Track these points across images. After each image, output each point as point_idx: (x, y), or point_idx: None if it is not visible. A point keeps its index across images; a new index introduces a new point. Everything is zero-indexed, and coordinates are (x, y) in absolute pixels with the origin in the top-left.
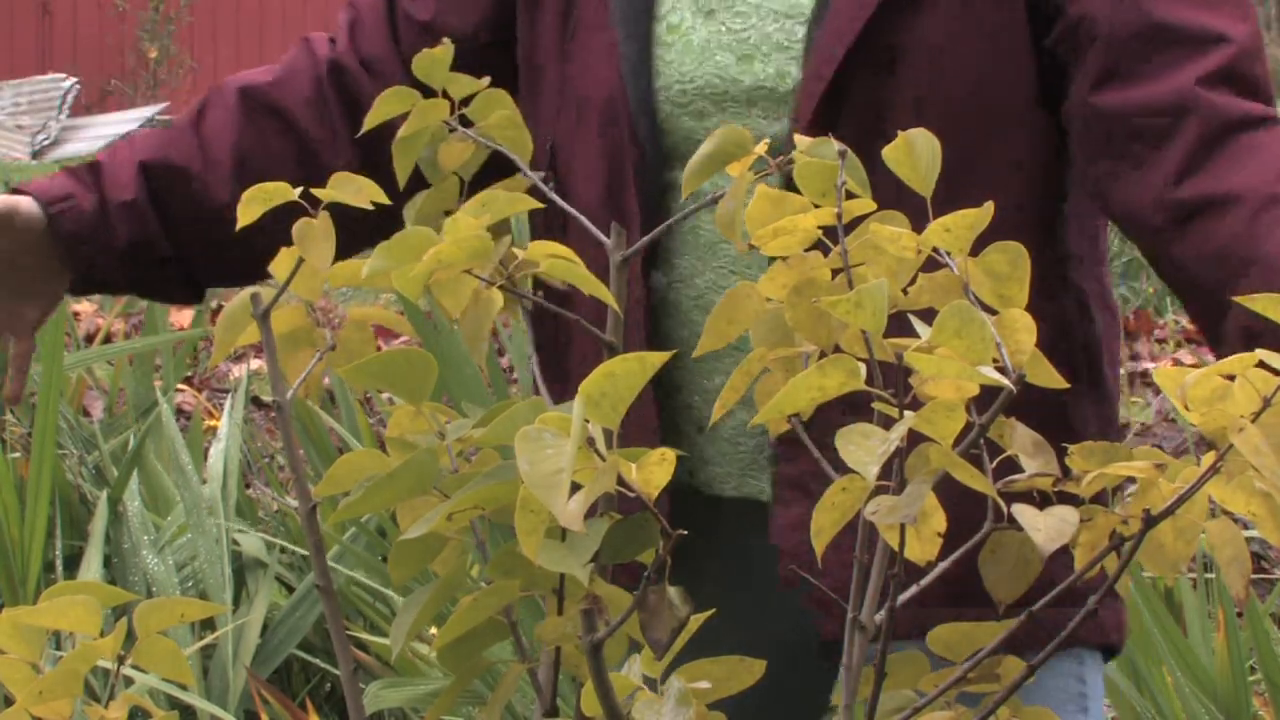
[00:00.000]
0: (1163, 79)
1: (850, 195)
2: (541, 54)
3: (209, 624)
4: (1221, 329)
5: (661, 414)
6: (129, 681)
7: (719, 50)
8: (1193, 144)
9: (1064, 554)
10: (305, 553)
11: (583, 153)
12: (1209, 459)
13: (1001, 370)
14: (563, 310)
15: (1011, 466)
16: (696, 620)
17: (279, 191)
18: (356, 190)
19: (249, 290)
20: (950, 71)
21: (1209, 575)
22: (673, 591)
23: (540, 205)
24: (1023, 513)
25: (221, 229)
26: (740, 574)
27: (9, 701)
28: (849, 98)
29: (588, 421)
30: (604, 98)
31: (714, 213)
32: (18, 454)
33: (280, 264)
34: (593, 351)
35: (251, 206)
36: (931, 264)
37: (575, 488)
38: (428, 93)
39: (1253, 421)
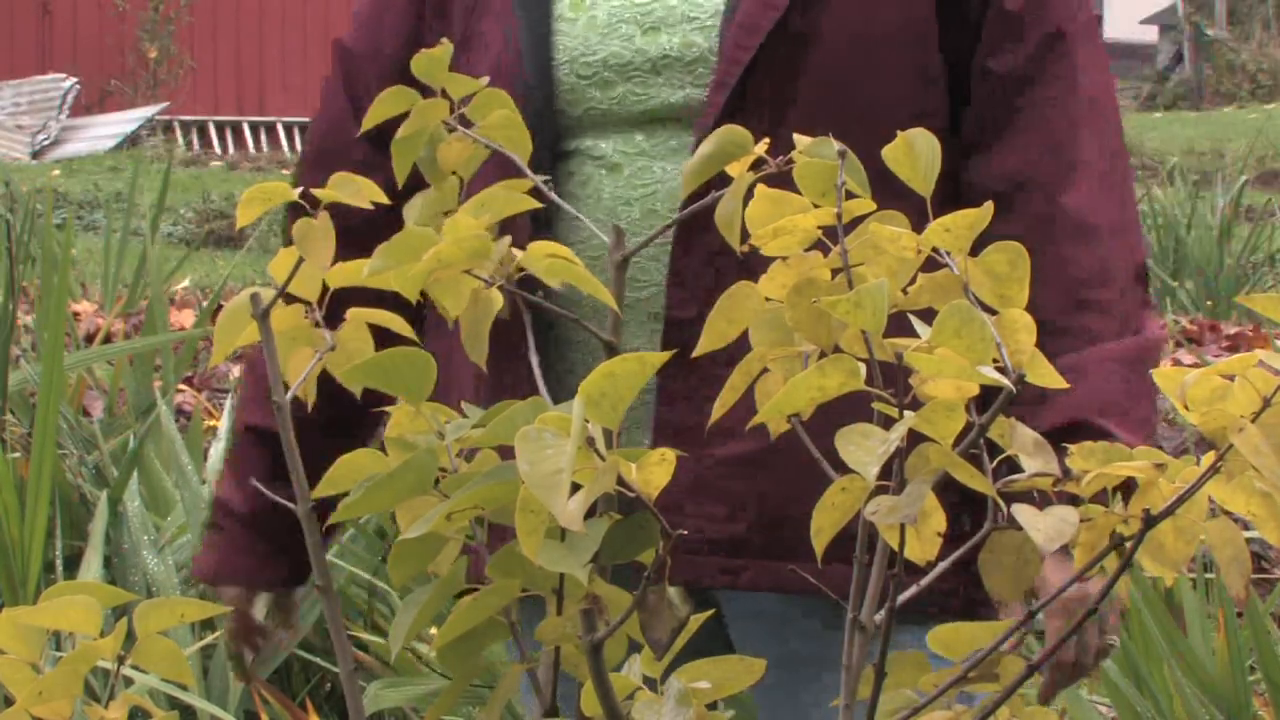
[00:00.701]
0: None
1: (850, 195)
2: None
3: (209, 624)
4: None
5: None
6: (129, 681)
7: (623, 23)
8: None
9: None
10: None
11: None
12: (1209, 459)
13: (1001, 370)
14: (565, 311)
15: (1011, 466)
16: (697, 620)
17: (278, 191)
18: (356, 190)
19: (249, 290)
20: (862, 50)
21: (1209, 575)
22: (673, 591)
23: (540, 205)
24: (1022, 513)
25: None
26: None
27: (9, 701)
28: (760, 70)
29: (588, 421)
30: (499, 73)
31: (619, 176)
32: (18, 454)
33: (280, 264)
34: (469, 374)
35: (251, 207)
36: (931, 264)
37: (575, 488)
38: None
39: (1253, 421)
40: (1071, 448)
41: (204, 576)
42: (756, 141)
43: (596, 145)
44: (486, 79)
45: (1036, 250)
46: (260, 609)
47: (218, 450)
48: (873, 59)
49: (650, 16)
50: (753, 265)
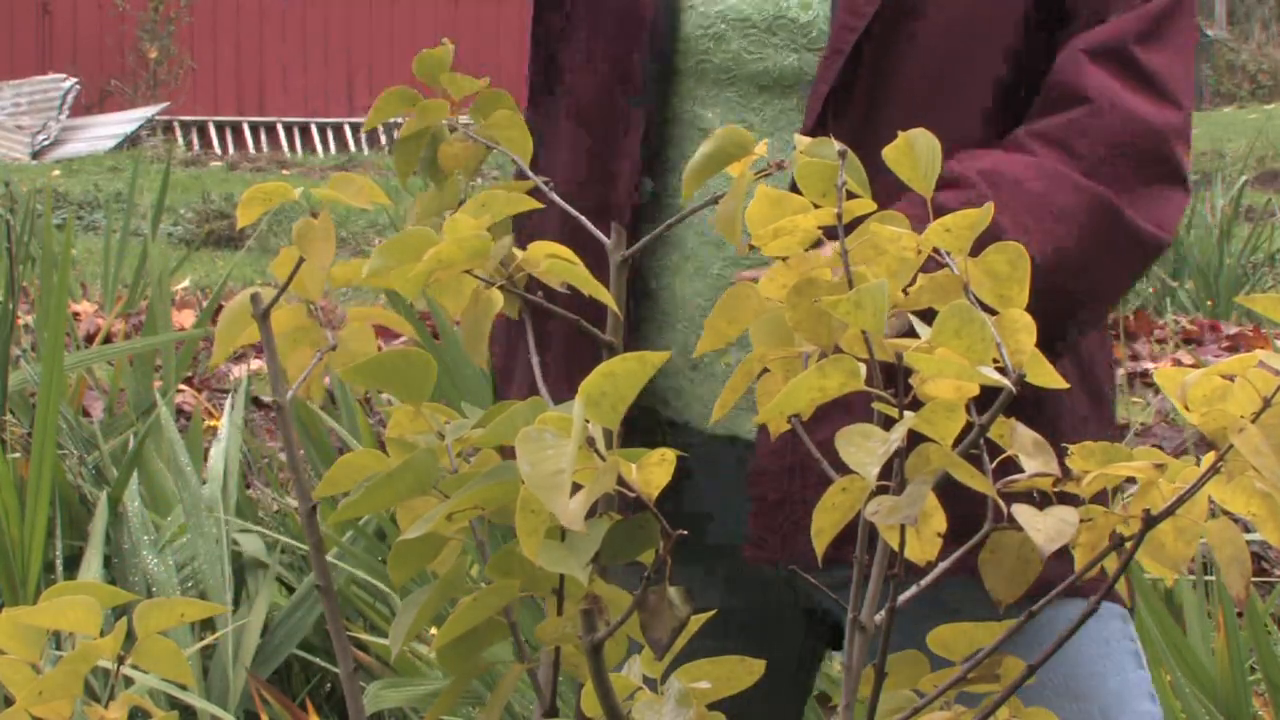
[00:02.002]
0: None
1: (851, 195)
2: None
3: (209, 624)
4: None
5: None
6: (129, 681)
7: None
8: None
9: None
10: (305, 552)
11: (589, 52)
12: (1209, 459)
13: (1001, 370)
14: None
15: (1012, 466)
16: (697, 620)
17: (278, 191)
18: (357, 190)
19: (249, 290)
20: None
21: (1209, 576)
22: (673, 591)
23: (540, 205)
24: (1022, 513)
25: None
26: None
27: (9, 701)
28: (870, 40)
29: (588, 422)
30: (624, 6)
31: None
32: (18, 454)
33: (280, 264)
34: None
35: (251, 207)
36: (931, 264)
37: (576, 488)
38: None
39: (1253, 421)
40: (1071, 448)
41: None
42: (861, 113)
43: (703, 115)
44: (487, 79)
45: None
46: None
47: (218, 450)
48: (974, 34)
49: None
50: None
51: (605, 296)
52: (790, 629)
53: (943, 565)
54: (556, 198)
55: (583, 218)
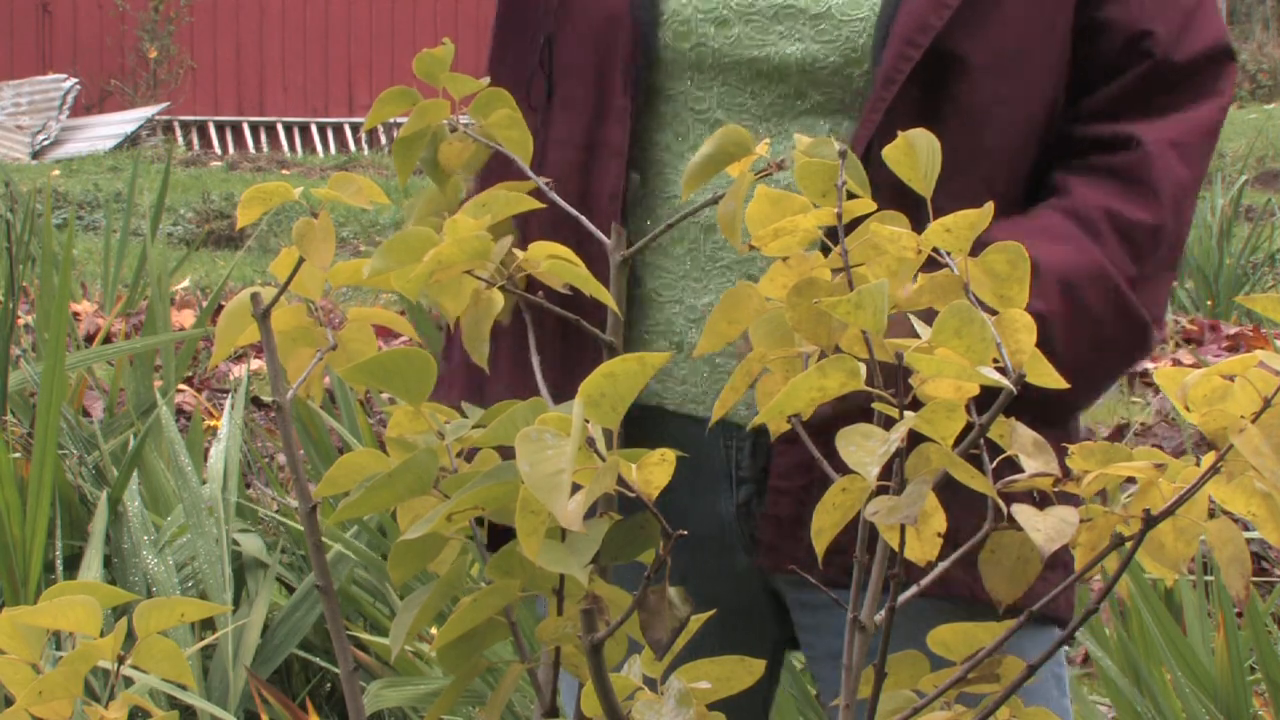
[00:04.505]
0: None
1: (851, 195)
2: None
3: (209, 624)
4: None
5: (636, 327)
6: (129, 681)
7: None
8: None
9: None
10: (305, 552)
11: (578, 48)
12: (1209, 459)
13: (1001, 370)
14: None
15: (1012, 466)
16: (697, 620)
17: (278, 191)
18: (357, 190)
19: (249, 290)
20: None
21: (1209, 576)
22: (673, 591)
23: (542, 205)
24: (1022, 513)
25: None
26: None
27: (9, 701)
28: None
29: (588, 422)
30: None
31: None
32: (18, 454)
33: (280, 264)
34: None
35: (251, 207)
36: (931, 264)
37: (575, 488)
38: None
39: (1253, 421)
40: (1072, 448)
41: None
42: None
43: (701, 97)
44: (487, 79)
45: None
46: None
47: (218, 450)
48: (1016, 76)
49: None
50: None
51: (605, 296)
52: (760, 616)
53: (943, 565)
54: (556, 197)
55: (580, 216)
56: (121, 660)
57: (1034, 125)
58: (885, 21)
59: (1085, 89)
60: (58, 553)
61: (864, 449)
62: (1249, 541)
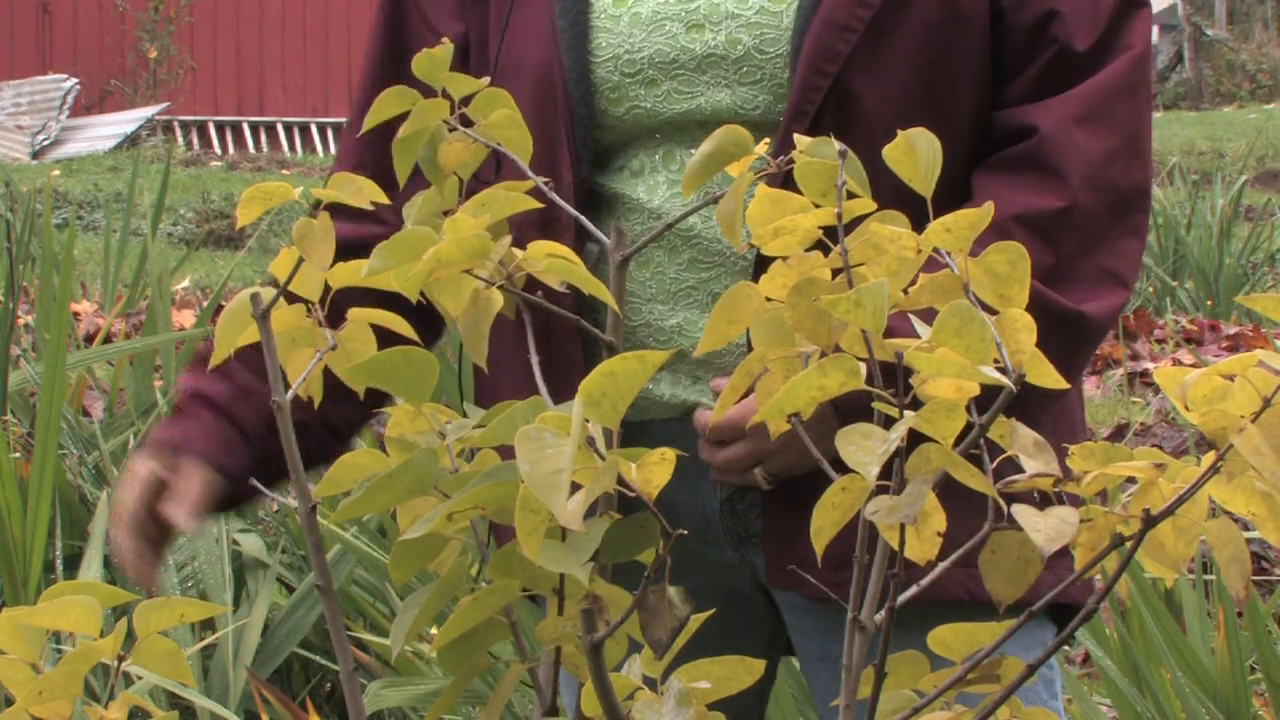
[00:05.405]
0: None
1: (851, 195)
2: (488, 30)
3: (209, 624)
4: None
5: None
6: (129, 681)
7: (668, 20)
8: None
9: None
10: (305, 552)
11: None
12: (1209, 459)
13: (1001, 370)
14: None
15: (1011, 467)
16: (697, 620)
17: (278, 191)
18: (357, 190)
19: (249, 290)
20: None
21: (1209, 576)
22: (673, 591)
23: (541, 205)
24: (1022, 513)
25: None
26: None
27: (9, 701)
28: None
29: (588, 421)
30: (538, 66)
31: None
32: (18, 454)
33: (280, 264)
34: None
35: (251, 207)
36: (931, 264)
37: (575, 487)
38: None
39: (1253, 421)
40: (1072, 448)
41: (167, 443)
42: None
43: (653, 151)
44: (487, 79)
45: None
46: (201, 489)
47: None
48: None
49: (695, 14)
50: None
51: (605, 295)
52: (754, 609)
53: (943, 565)
54: (557, 198)
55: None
56: (121, 660)
57: (960, 135)
58: (794, 54)
59: (1004, 80)
60: (58, 553)
61: (864, 448)
62: (1249, 541)
